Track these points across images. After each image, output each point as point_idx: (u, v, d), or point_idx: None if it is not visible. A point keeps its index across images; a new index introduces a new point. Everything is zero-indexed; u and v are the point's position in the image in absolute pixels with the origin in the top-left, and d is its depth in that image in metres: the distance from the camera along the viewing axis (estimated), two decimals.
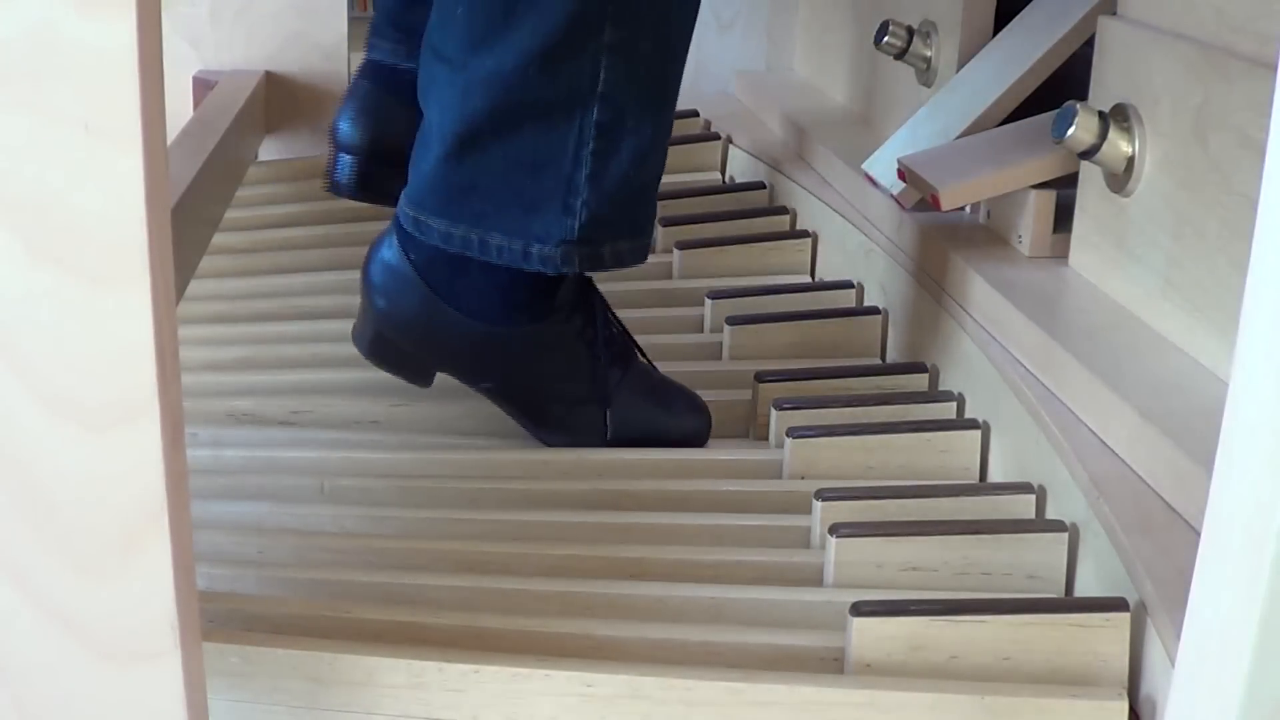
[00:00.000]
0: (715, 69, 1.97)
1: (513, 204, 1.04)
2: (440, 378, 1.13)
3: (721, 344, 1.30)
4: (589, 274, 1.11)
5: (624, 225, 1.07)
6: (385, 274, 1.09)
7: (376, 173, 1.33)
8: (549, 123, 1.03)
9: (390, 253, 1.09)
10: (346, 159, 1.33)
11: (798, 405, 1.13)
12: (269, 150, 1.85)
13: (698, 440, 1.14)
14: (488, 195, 1.04)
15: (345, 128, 1.33)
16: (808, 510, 1.00)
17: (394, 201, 1.11)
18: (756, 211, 1.55)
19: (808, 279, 1.45)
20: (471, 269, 1.08)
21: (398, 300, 1.09)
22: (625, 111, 1.03)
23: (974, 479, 1.07)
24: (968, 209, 1.28)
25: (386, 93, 1.33)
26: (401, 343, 1.10)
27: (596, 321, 1.12)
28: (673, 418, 1.14)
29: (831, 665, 0.84)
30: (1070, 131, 1.04)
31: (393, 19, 1.34)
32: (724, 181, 1.71)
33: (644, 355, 1.17)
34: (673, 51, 1.06)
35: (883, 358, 1.30)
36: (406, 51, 1.31)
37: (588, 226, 1.04)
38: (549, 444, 1.13)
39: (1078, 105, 1.05)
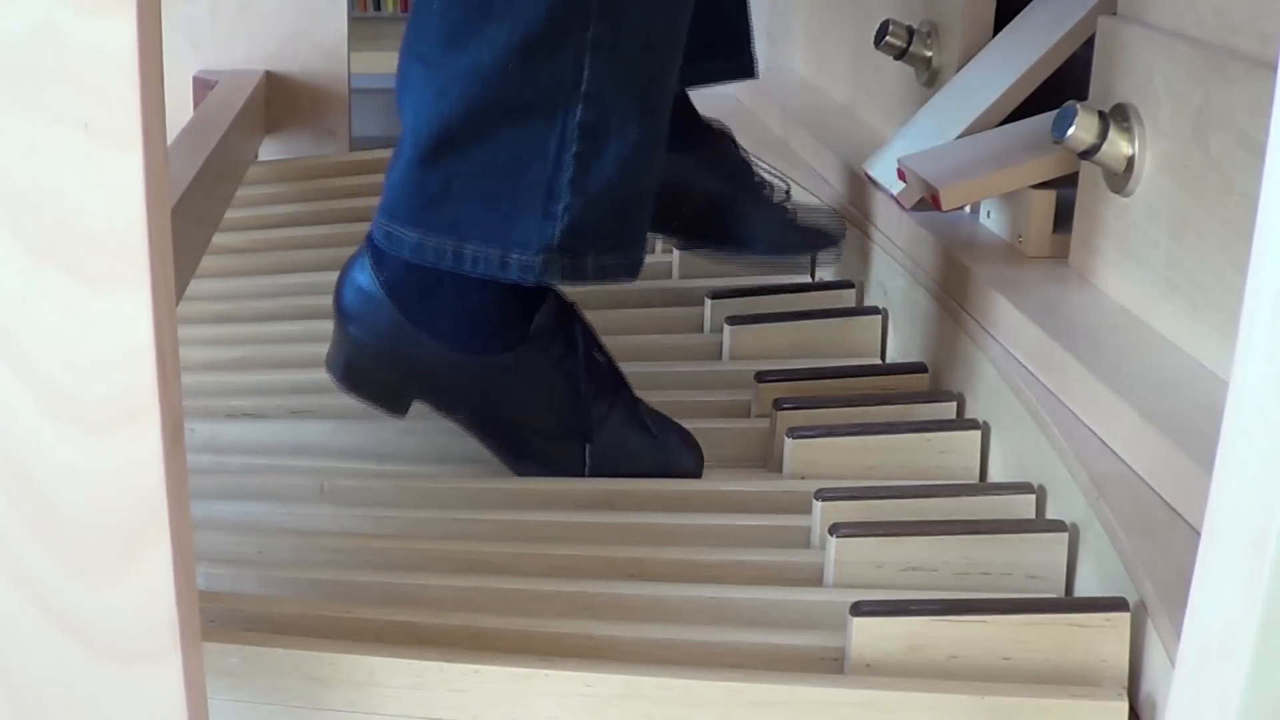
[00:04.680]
0: None
1: (490, 210, 0.99)
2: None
3: (721, 344, 1.30)
4: (571, 285, 1.04)
5: (609, 236, 1.02)
6: (356, 297, 1.05)
7: None
8: (529, 123, 0.97)
9: (362, 275, 1.05)
10: None
11: (798, 405, 1.13)
12: (269, 150, 1.85)
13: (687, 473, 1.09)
14: (463, 201, 0.99)
15: None
16: (808, 510, 1.00)
17: None
18: None
19: (808, 279, 1.45)
20: (443, 291, 1.03)
21: (368, 325, 1.05)
22: (610, 113, 0.98)
23: (974, 479, 1.07)
24: (968, 209, 1.28)
25: None
26: (374, 370, 1.06)
27: (578, 351, 1.07)
28: (662, 456, 1.08)
29: (831, 665, 0.84)
30: (1070, 131, 1.04)
31: None
32: None
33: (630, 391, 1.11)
34: (662, 52, 1.01)
35: (883, 358, 1.30)
36: None
37: (569, 234, 0.99)
38: (524, 475, 1.08)
39: (1078, 105, 1.05)
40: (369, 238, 1.05)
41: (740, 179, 1.33)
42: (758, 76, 1.39)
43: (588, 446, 1.07)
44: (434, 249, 1.01)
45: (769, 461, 1.13)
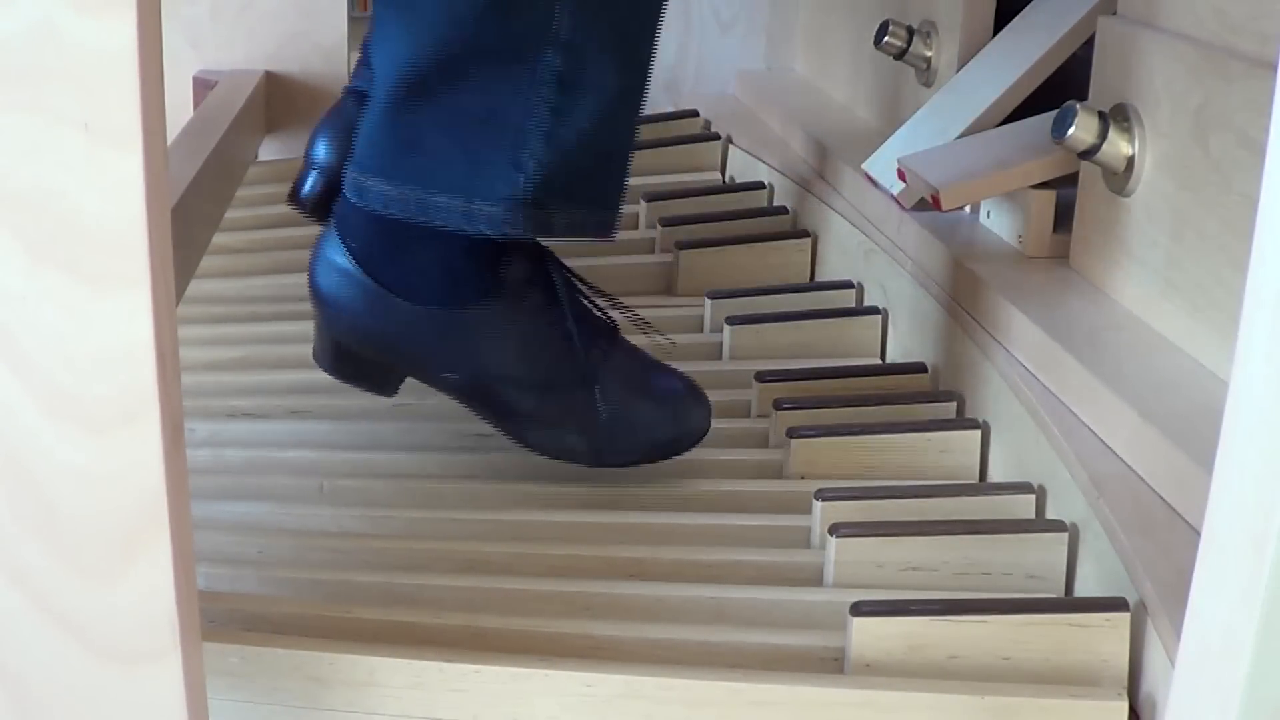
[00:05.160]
0: (715, 69, 1.97)
1: (458, 158, 0.96)
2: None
3: (721, 344, 1.30)
4: (539, 239, 1.02)
5: (581, 192, 0.98)
6: (328, 274, 1.03)
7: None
8: (501, 69, 0.94)
9: (331, 247, 1.03)
10: (315, 176, 1.25)
11: (798, 405, 1.13)
12: (269, 150, 1.85)
13: (700, 427, 1.05)
14: (432, 149, 0.97)
15: (320, 148, 1.24)
16: (808, 510, 1.00)
17: None
18: (756, 211, 1.55)
19: (808, 279, 1.45)
20: (410, 245, 1.01)
21: (343, 298, 1.03)
22: (585, 61, 0.94)
23: (974, 479, 1.07)
24: (968, 209, 1.28)
25: None
26: (355, 347, 1.05)
27: (558, 295, 1.03)
28: (671, 403, 1.04)
29: (831, 665, 0.84)
30: (1070, 131, 1.04)
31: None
32: (724, 181, 1.71)
33: (646, 326, 1.08)
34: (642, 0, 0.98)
35: (883, 358, 1.30)
36: None
37: (539, 186, 0.96)
38: (530, 444, 1.05)
39: (1078, 105, 1.05)
40: (335, 210, 1.04)
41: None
42: None
43: (596, 389, 1.03)
44: (400, 199, 0.98)
45: (769, 462, 1.13)
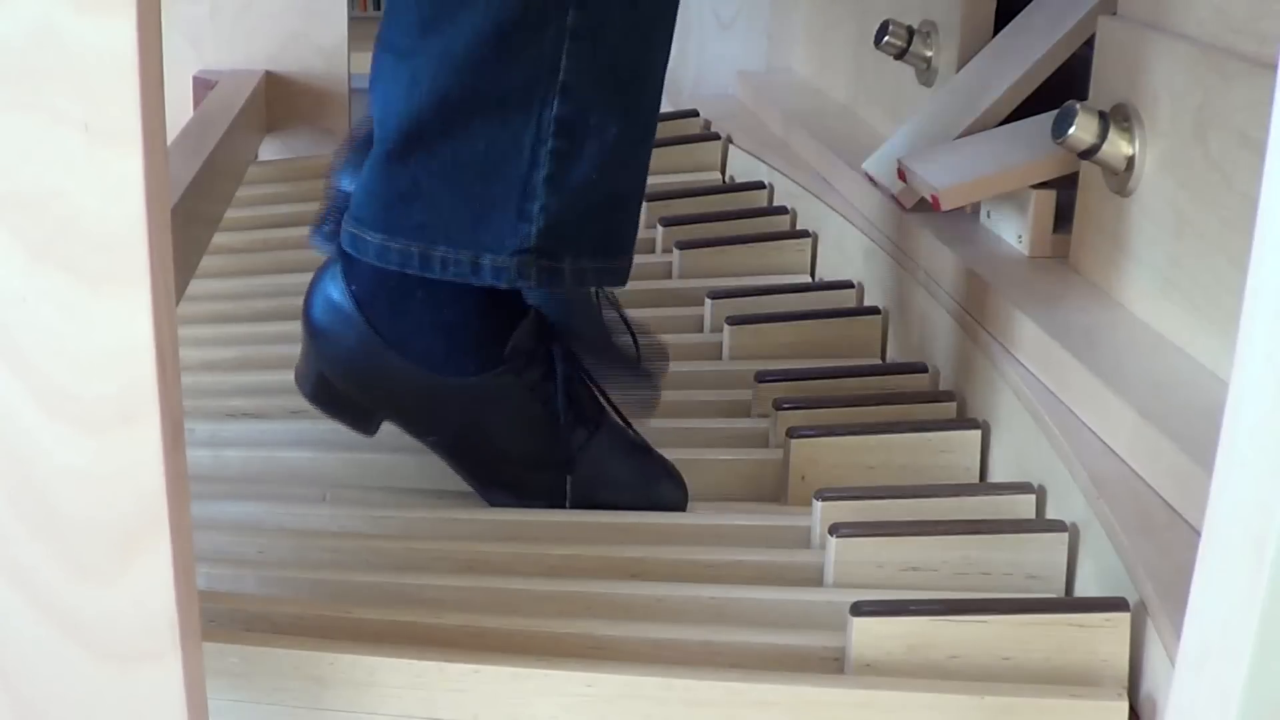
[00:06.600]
0: (715, 69, 1.97)
1: (461, 210, 0.94)
2: None
3: (721, 344, 1.30)
4: (549, 290, 0.99)
5: (589, 239, 0.96)
6: (326, 310, 1.00)
7: None
8: (504, 116, 0.92)
9: (333, 286, 1.00)
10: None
11: (798, 405, 1.13)
12: (269, 150, 1.85)
13: (673, 504, 1.04)
14: (433, 201, 0.94)
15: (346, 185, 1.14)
16: (808, 510, 1.00)
17: None
18: (756, 211, 1.55)
19: (808, 279, 1.45)
20: (416, 305, 0.98)
21: (338, 340, 1.00)
22: (589, 106, 0.92)
23: (974, 479, 1.07)
24: (968, 209, 1.28)
25: None
26: (343, 388, 1.02)
27: (556, 375, 1.01)
28: (646, 487, 1.03)
29: (831, 665, 0.84)
30: (1070, 131, 1.04)
31: None
32: (724, 181, 1.71)
33: (621, 416, 1.05)
34: (647, 41, 0.95)
35: (883, 358, 1.30)
36: None
37: (545, 235, 0.93)
38: (496, 506, 1.04)
39: (1078, 105, 1.05)
40: (340, 246, 1.00)
41: None
42: None
43: (569, 478, 1.02)
44: (400, 252, 0.95)
45: (769, 461, 1.13)
